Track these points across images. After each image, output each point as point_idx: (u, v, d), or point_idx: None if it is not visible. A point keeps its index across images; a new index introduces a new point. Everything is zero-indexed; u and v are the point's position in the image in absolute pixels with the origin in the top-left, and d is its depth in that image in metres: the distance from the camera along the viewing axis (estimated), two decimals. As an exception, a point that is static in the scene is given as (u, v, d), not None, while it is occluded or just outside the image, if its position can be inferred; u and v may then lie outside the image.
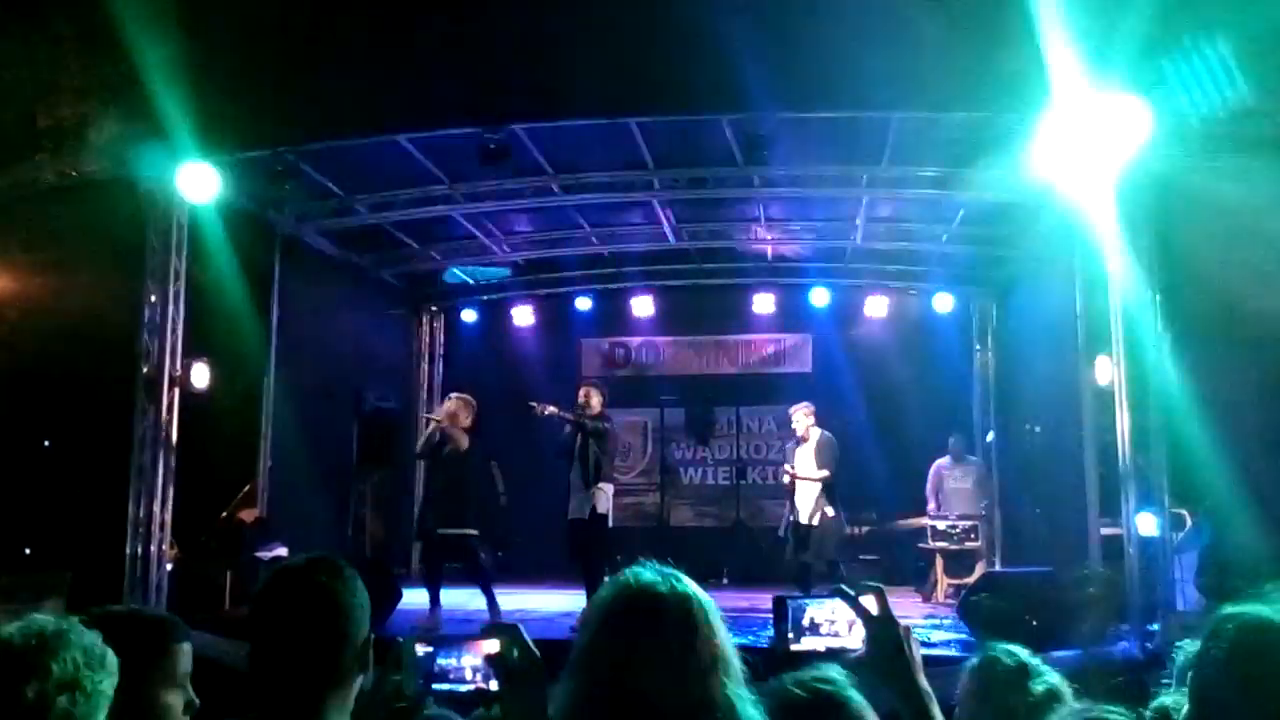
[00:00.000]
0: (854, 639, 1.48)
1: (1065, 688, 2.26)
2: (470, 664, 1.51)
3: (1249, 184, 5.61)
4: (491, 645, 1.47)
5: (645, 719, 1.34)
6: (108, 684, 1.55)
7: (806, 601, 1.55)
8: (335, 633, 1.66)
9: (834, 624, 1.51)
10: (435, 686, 1.53)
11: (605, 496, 7.86)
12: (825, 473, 8.19)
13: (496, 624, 1.51)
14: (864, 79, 6.23)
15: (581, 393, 8.15)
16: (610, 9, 6.57)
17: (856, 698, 1.84)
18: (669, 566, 1.51)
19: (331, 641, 1.65)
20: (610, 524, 7.94)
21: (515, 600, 8.65)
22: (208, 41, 6.49)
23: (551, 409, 8.14)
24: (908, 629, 1.46)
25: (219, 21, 6.63)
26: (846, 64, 6.14)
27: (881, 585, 1.49)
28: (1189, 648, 1.92)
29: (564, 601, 9.09)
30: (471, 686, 1.50)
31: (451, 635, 1.52)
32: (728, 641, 1.43)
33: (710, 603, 1.47)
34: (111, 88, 6.74)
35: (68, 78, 6.87)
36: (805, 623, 1.53)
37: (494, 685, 1.46)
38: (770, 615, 1.59)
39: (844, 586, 1.52)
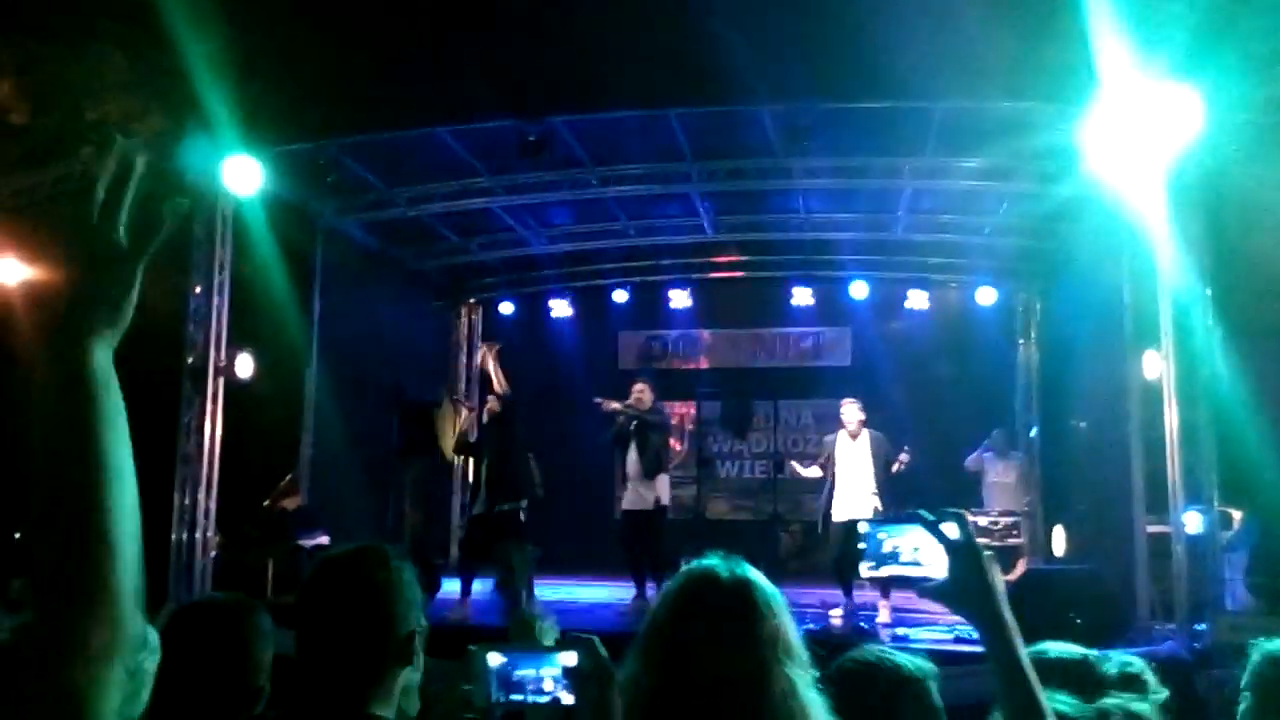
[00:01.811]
0: (933, 568, 1.45)
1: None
2: (550, 674, 1.50)
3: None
4: (569, 658, 1.47)
5: (705, 699, 1.34)
6: (150, 663, 1.57)
7: (884, 527, 1.52)
8: (379, 623, 1.66)
9: (916, 550, 1.49)
10: (512, 697, 1.52)
11: (666, 487, 7.94)
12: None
13: (573, 635, 1.51)
14: (906, 68, 6.15)
15: (637, 387, 8.19)
16: (649, 0, 6.55)
17: (909, 665, 1.83)
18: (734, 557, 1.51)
19: (375, 632, 1.66)
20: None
21: (553, 592, 8.68)
22: (251, 36, 6.55)
23: (615, 404, 8.16)
24: (991, 556, 1.42)
25: (262, 16, 6.70)
26: (889, 53, 6.06)
27: (963, 511, 1.45)
28: (1266, 645, 1.89)
29: (601, 594, 9.12)
30: (549, 698, 1.49)
31: (528, 645, 1.51)
32: (789, 625, 1.43)
33: (773, 589, 1.47)
34: (156, 82, 6.83)
35: (113, 73, 6.98)
36: (886, 550, 1.51)
37: (569, 698, 1.46)
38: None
39: (923, 512, 1.48)
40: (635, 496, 8.02)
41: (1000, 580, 1.42)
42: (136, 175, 1.04)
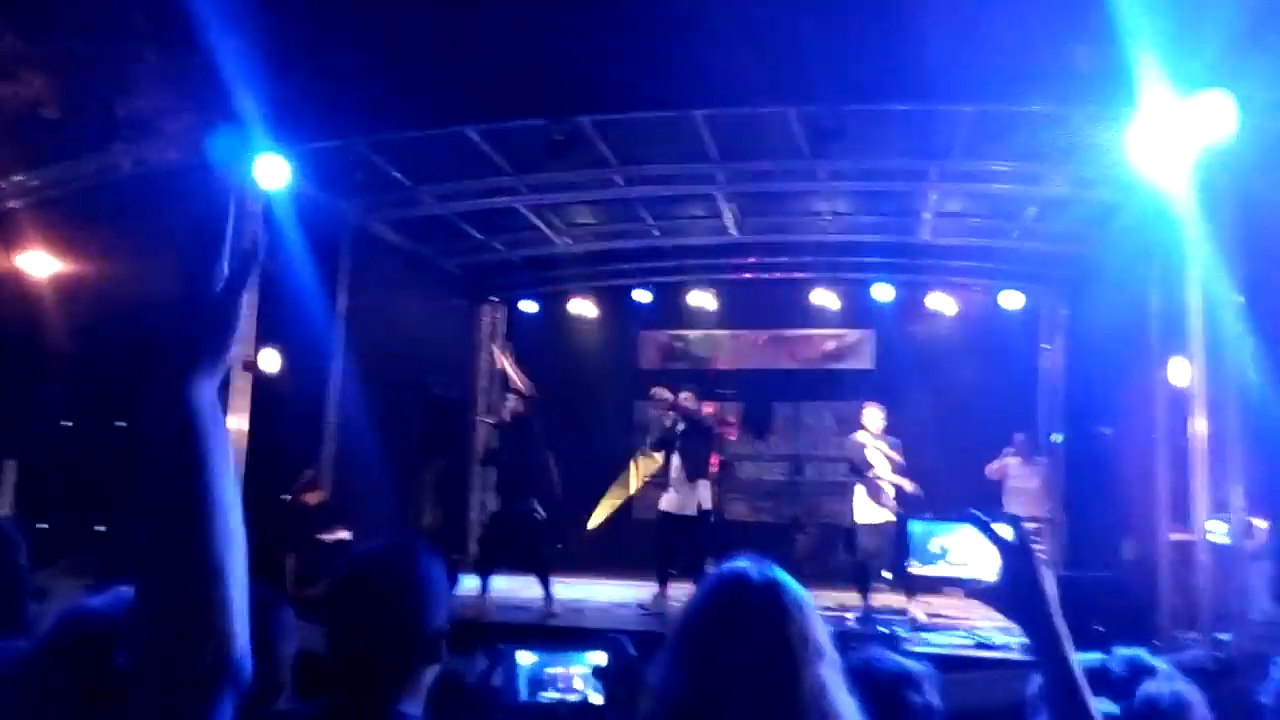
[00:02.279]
0: (979, 570, 1.46)
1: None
2: (579, 673, 1.51)
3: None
4: (598, 657, 1.48)
5: (736, 699, 1.35)
6: None
7: (935, 526, 1.53)
8: (410, 620, 1.67)
9: (963, 551, 1.49)
10: (541, 695, 1.53)
11: (708, 492, 8.06)
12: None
13: (603, 635, 1.52)
14: (935, 70, 6.11)
15: (684, 396, 8.36)
16: (676, 0, 6.55)
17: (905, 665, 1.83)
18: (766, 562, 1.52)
19: (406, 628, 1.67)
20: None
21: (571, 591, 8.70)
22: (281, 33, 6.60)
23: (667, 394, 8.27)
24: (1045, 560, 1.43)
25: (291, 14, 6.75)
26: (917, 55, 6.03)
27: (1018, 514, 1.46)
28: None
29: (620, 593, 9.13)
30: (579, 696, 1.50)
31: (559, 645, 1.52)
32: (819, 626, 1.43)
33: (803, 592, 1.48)
34: (188, 78, 6.89)
35: (144, 69, 7.05)
36: (934, 548, 1.52)
37: (599, 698, 1.47)
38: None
39: (977, 512, 1.49)
40: (677, 500, 8.11)
41: (1053, 586, 1.42)
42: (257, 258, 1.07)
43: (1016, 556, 1.43)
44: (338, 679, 1.64)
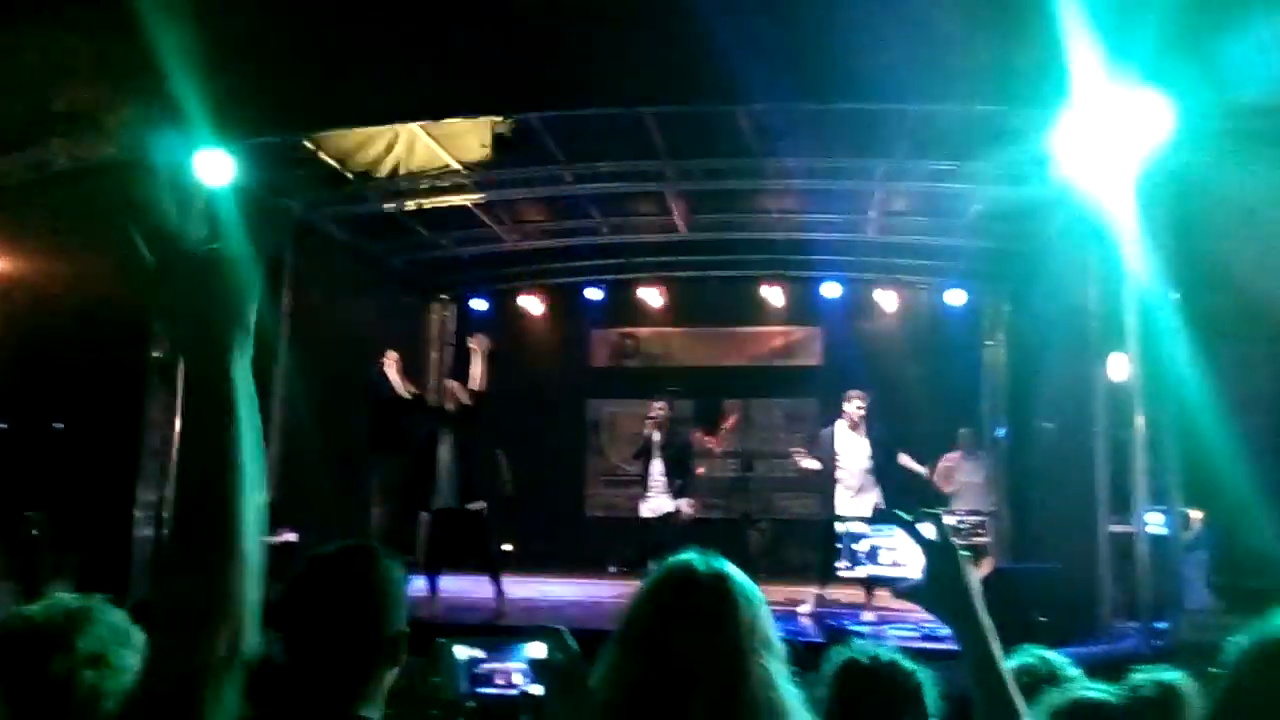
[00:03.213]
0: (910, 569, 1.47)
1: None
2: (517, 667, 1.49)
3: (1272, 181, 5.56)
4: (537, 649, 1.46)
5: (683, 690, 1.35)
6: (134, 660, 1.55)
7: (862, 528, 1.53)
8: (369, 623, 1.64)
9: (894, 551, 1.50)
10: (480, 690, 1.51)
11: (685, 500, 8.45)
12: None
13: (540, 627, 1.50)
14: (881, 71, 6.18)
15: (658, 405, 8.82)
16: (626, -2, 6.54)
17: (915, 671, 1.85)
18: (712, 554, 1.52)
19: (365, 631, 1.64)
20: None
21: (523, 589, 8.67)
22: (223, 26, 6.47)
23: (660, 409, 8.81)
24: (968, 557, 1.44)
25: (234, 5, 6.62)
26: (863, 56, 6.10)
27: (940, 511, 1.47)
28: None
29: (571, 591, 9.13)
30: (517, 691, 1.48)
31: (497, 638, 1.50)
32: (766, 619, 1.43)
33: (750, 584, 1.48)
34: (127, 72, 6.73)
35: (81, 62, 6.87)
36: (862, 550, 1.52)
37: (538, 690, 1.45)
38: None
39: (899, 512, 1.50)
40: (657, 504, 8.42)
41: (976, 581, 1.44)
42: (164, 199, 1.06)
43: (940, 554, 1.45)
44: (294, 685, 1.61)
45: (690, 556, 1.51)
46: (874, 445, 8.05)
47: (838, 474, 8.20)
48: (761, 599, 1.47)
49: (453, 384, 8.18)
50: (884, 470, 8.20)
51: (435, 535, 7.91)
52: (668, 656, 1.37)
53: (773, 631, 1.44)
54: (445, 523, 7.81)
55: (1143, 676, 2.04)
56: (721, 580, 1.45)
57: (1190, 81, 5.56)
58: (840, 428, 8.32)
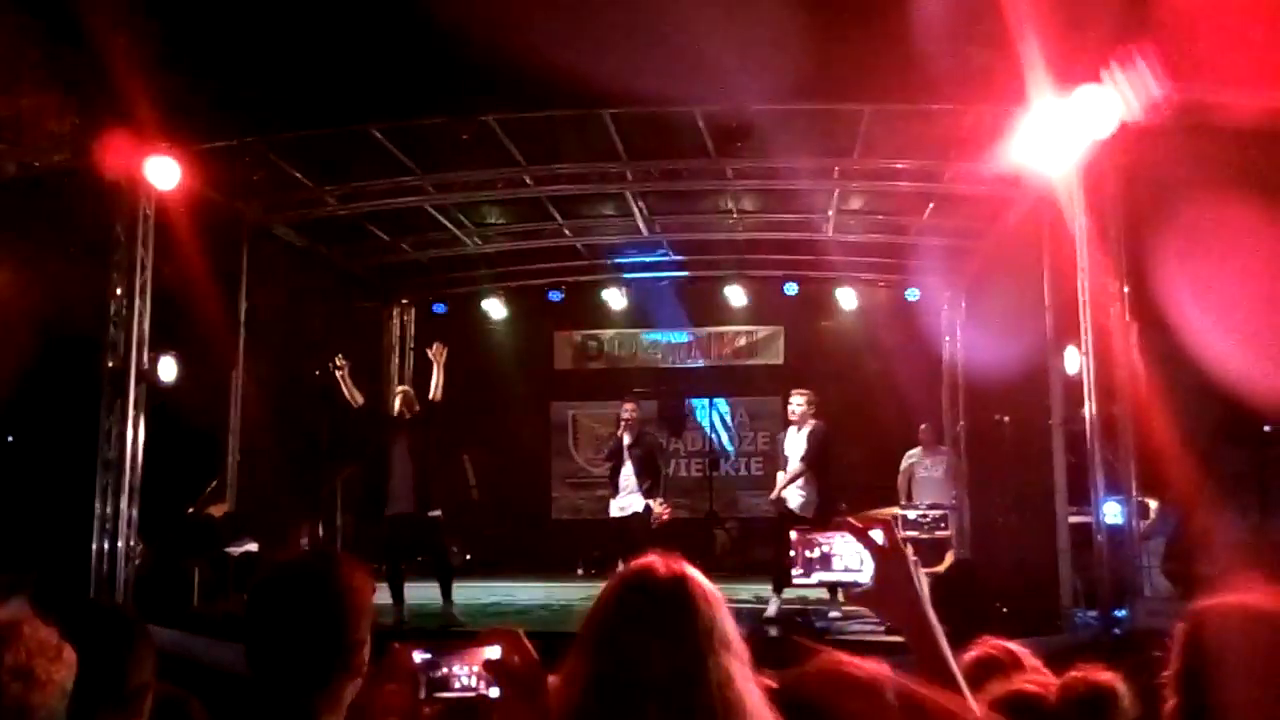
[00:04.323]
0: (863, 574, 1.49)
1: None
2: (474, 669, 1.47)
3: (1217, 173, 5.68)
4: (492, 651, 1.44)
5: (642, 691, 1.35)
6: (62, 675, 1.54)
7: (814, 534, 1.54)
8: (331, 632, 1.63)
9: (844, 558, 1.51)
10: (436, 694, 1.49)
11: (654, 501, 8.40)
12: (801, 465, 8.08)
13: (496, 629, 1.49)
14: (837, 72, 6.24)
15: (628, 407, 8.78)
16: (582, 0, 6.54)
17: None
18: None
19: (327, 640, 1.62)
20: None
21: (489, 593, 8.63)
22: (173, 29, 6.38)
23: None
24: (916, 561, 1.46)
25: (184, 8, 6.53)
26: (820, 57, 6.15)
27: (890, 517, 1.49)
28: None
29: (537, 594, 9.11)
30: (474, 694, 1.46)
31: (451, 641, 1.48)
32: (725, 619, 1.44)
33: (710, 586, 1.48)
34: (74, 77, 6.61)
35: (28, 67, 6.74)
36: (816, 556, 1.53)
37: (495, 692, 1.43)
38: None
39: (851, 519, 1.52)
40: (626, 504, 8.40)
41: (925, 585, 1.46)
42: None
43: (889, 559, 1.48)
44: (257, 695, 1.60)
45: (651, 559, 1.51)
46: (810, 440, 8.03)
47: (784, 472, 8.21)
48: (721, 599, 1.47)
49: (405, 390, 8.09)
50: (824, 466, 8.17)
51: (391, 541, 7.81)
52: (624, 660, 1.38)
53: (732, 631, 1.44)
54: (401, 528, 7.71)
55: (1078, 674, 2.07)
56: (680, 583, 1.45)
57: (1138, 78, 5.66)
58: (790, 429, 8.38)
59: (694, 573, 1.48)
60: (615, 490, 8.53)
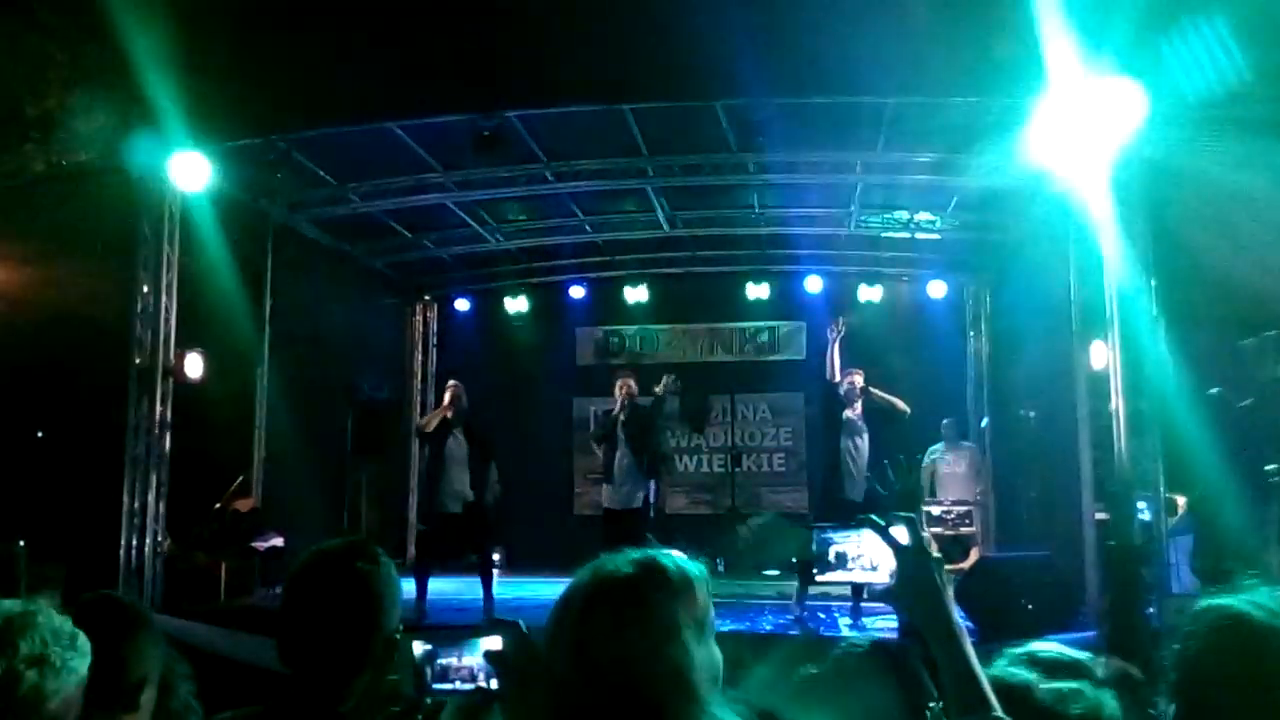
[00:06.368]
0: (884, 573, 1.46)
1: None
2: (473, 662, 1.47)
3: (1246, 167, 5.61)
4: (492, 642, 1.44)
5: (603, 684, 1.32)
6: (78, 662, 1.56)
7: (833, 534, 1.52)
8: (367, 621, 1.63)
9: (861, 557, 1.49)
10: (437, 686, 1.49)
11: (652, 487, 8.09)
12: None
13: (496, 620, 1.48)
14: (859, 64, 6.20)
15: (621, 382, 8.00)
16: (603, -5, 6.53)
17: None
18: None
19: (363, 630, 1.62)
20: None
21: (513, 590, 8.66)
22: (198, 28, 6.43)
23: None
24: (940, 560, 1.43)
25: (209, 7, 6.57)
26: (841, 49, 6.11)
27: (913, 515, 1.46)
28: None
29: (561, 591, 9.10)
30: (474, 686, 1.46)
31: (451, 632, 1.48)
32: (693, 607, 1.39)
33: (683, 573, 1.42)
34: (100, 76, 6.68)
35: (55, 67, 6.81)
36: (831, 556, 1.51)
37: (495, 684, 1.43)
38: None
39: (873, 516, 1.49)
40: (620, 495, 7.85)
41: (948, 584, 1.44)
42: None
43: (912, 557, 1.45)
44: (290, 678, 1.59)
45: (622, 552, 1.47)
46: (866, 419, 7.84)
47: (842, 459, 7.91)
48: (694, 584, 1.41)
49: (455, 385, 7.95)
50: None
51: (436, 539, 7.79)
52: (590, 651, 1.35)
53: (701, 618, 1.40)
54: (448, 527, 7.70)
55: (1074, 686, 2.01)
56: (644, 572, 1.41)
57: (1163, 70, 5.60)
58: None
59: (664, 561, 1.43)
60: (609, 478, 7.84)
